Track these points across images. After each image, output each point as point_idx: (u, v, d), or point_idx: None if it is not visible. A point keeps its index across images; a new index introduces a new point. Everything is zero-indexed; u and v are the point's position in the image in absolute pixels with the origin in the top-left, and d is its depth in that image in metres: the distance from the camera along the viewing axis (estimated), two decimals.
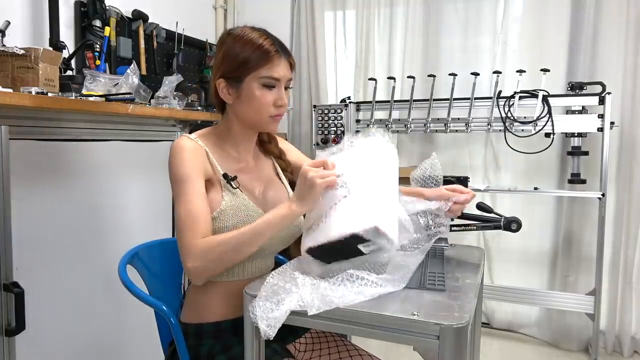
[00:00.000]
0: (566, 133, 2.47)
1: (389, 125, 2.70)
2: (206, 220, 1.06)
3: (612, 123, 2.30)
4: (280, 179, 1.30)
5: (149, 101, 1.85)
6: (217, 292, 1.14)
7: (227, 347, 1.11)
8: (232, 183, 1.13)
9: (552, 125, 2.39)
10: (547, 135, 2.42)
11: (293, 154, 1.36)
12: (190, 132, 1.25)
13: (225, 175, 1.13)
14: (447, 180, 1.32)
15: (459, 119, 2.57)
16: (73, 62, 1.83)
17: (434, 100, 2.61)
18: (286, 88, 1.17)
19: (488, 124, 2.52)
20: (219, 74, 1.15)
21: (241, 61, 1.11)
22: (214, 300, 1.14)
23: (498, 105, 2.48)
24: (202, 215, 1.05)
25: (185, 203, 1.05)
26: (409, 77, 2.65)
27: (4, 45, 1.48)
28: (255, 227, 1.02)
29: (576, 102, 2.40)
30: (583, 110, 2.41)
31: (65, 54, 1.76)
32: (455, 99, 2.56)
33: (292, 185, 1.30)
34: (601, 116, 2.32)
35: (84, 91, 1.62)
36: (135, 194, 2.04)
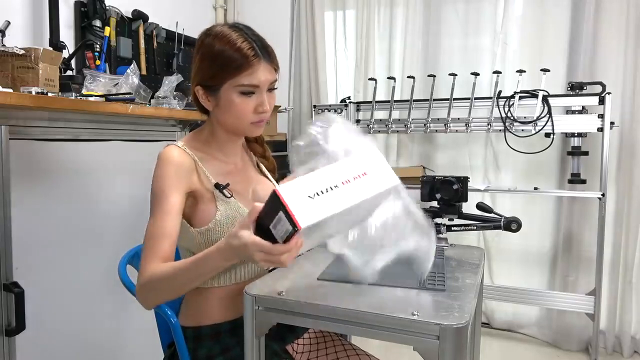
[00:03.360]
0: (566, 133, 2.47)
1: (389, 125, 2.70)
2: (169, 240, 1.01)
3: (612, 123, 2.30)
4: (265, 175, 1.29)
5: (149, 101, 1.85)
6: (214, 295, 1.13)
7: (226, 349, 1.10)
8: (224, 192, 1.09)
9: (552, 125, 2.39)
10: (547, 135, 2.42)
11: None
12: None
13: (217, 185, 1.10)
14: (447, 180, 1.33)
15: (459, 119, 2.57)
16: (73, 62, 1.83)
17: (434, 100, 2.61)
18: (271, 90, 1.11)
19: (488, 124, 2.52)
20: (196, 81, 1.11)
21: (217, 69, 1.06)
22: (212, 303, 1.13)
23: (498, 105, 2.48)
24: (165, 235, 1.01)
25: (153, 221, 1.03)
26: (409, 77, 2.65)
27: (4, 45, 1.48)
28: (187, 264, 0.95)
29: (576, 102, 2.40)
30: (583, 110, 2.41)
31: (65, 54, 1.77)
32: (455, 99, 2.56)
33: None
34: (601, 116, 2.32)
35: (84, 91, 1.62)
36: (135, 194, 2.04)
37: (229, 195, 1.10)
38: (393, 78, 2.70)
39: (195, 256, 0.95)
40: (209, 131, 1.17)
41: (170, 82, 1.94)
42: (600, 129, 2.32)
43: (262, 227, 0.79)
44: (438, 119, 2.62)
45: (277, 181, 1.31)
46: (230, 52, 1.04)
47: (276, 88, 1.13)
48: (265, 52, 1.07)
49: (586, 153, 2.42)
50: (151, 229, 1.02)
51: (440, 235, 1.36)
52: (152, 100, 1.89)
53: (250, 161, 1.29)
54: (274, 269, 1.14)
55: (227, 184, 1.10)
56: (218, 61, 1.05)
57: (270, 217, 0.76)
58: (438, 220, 1.37)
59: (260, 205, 0.80)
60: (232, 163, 1.20)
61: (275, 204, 0.73)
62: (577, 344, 2.58)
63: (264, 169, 1.30)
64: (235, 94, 1.07)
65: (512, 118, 2.46)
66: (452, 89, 2.56)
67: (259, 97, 1.08)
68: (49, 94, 1.39)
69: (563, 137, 2.55)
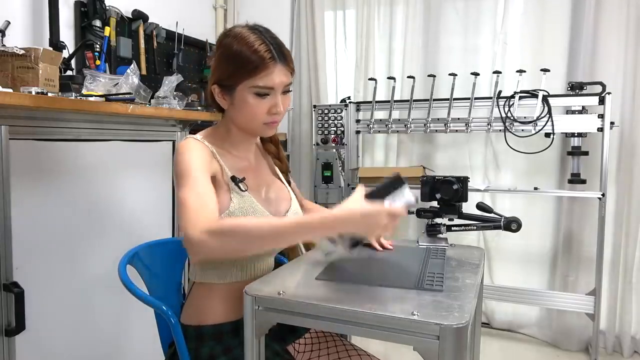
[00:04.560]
0: (566, 133, 2.47)
1: (389, 125, 2.70)
2: (214, 202, 0.99)
3: (612, 123, 2.30)
4: (279, 178, 1.30)
5: (149, 101, 1.85)
6: (218, 294, 1.13)
7: (227, 349, 1.10)
8: (240, 185, 1.11)
9: (552, 125, 2.39)
10: (547, 135, 2.42)
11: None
12: (190, 133, 1.24)
13: (233, 178, 1.12)
14: (447, 180, 1.33)
15: (459, 119, 2.57)
16: (73, 62, 1.83)
17: (434, 100, 2.61)
18: (286, 92, 1.13)
19: (488, 124, 2.52)
20: (213, 79, 1.13)
21: (234, 69, 1.08)
22: (215, 302, 1.13)
23: (498, 105, 2.48)
24: (211, 197, 0.99)
25: (193, 186, 0.98)
26: (409, 77, 2.65)
27: (4, 45, 1.48)
28: (282, 224, 0.94)
29: (576, 102, 2.40)
30: (583, 110, 2.41)
31: (65, 54, 1.77)
32: (455, 99, 2.56)
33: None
34: (601, 116, 2.32)
35: (84, 91, 1.62)
36: (135, 194, 2.04)
37: (244, 189, 1.12)
38: (393, 78, 2.70)
39: (297, 219, 0.96)
40: (225, 129, 1.19)
41: (170, 82, 1.94)
42: (600, 129, 2.32)
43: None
44: (438, 119, 2.62)
45: (289, 183, 1.32)
46: (248, 53, 1.06)
47: (291, 90, 1.15)
48: (282, 55, 1.09)
49: (586, 153, 2.42)
50: (193, 191, 0.97)
51: (440, 235, 1.36)
52: (152, 100, 1.90)
53: (266, 163, 1.30)
54: (275, 267, 1.15)
55: (243, 178, 1.12)
56: (235, 61, 1.08)
57: (388, 192, 1.04)
58: (438, 220, 1.37)
59: (366, 189, 1.02)
60: (245, 160, 1.22)
61: (399, 183, 1.06)
62: (577, 344, 2.58)
63: (278, 171, 1.31)
64: (250, 95, 1.09)
65: (512, 118, 2.46)
66: (452, 89, 2.56)
67: (273, 98, 1.10)
68: (49, 94, 1.39)
69: (563, 137, 2.55)
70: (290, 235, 0.94)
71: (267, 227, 0.92)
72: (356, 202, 0.96)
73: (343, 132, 2.77)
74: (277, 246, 1.02)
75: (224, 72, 1.11)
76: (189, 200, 0.95)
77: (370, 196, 1.01)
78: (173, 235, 2.18)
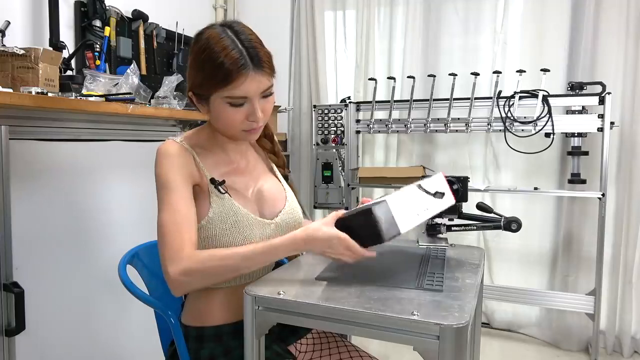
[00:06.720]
0: (566, 133, 2.47)
1: (389, 125, 2.70)
2: (192, 227, 1.02)
3: (612, 123, 2.30)
4: (275, 174, 1.27)
5: (149, 101, 1.85)
6: (218, 296, 1.12)
7: (227, 351, 1.10)
8: (219, 188, 1.08)
9: (552, 125, 2.39)
10: (547, 135, 2.42)
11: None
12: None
13: (212, 180, 1.08)
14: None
15: (459, 119, 2.57)
16: (73, 62, 1.83)
17: (434, 100, 2.61)
18: (266, 96, 1.06)
19: (488, 124, 2.52)
20: (188, 87, 1.10)
21: (204, 79, 1.03)
22: (215, 304, 1.12)
23: (498, 105, 2.48)
24: (189, 222, 1.02)
25: (171, 209, 1.01)
26: (409, 77, 2.65)
27: (4, 45, 1.48)
28: (251, 250, 0.99)
29: (576, 102, 2.40)
30: (583, 110, 2.41)
31: (65, 54, 1.76)
32: (455, 99, 2.56)
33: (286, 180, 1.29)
34: (601, 116, 2.32)
35: (84, 91, 1.62)
36: (136, 194, 2.04)
37: (224, 192, 1.09)
38: (393, 78, 2.70)
39: (264, 243, 1.00)
40: (211, 129, 1.17)
41: (170, 82, 1.94)
42: (600, 129, 2.32)
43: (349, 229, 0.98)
44: (438, 119, 2.62)
45: (286, 178, 1.30)
46: (217, 63, 1.00)
47: (272, 93, 1.09)
48: (257, 60, 1.01)
49: (586, 153, 2.42)
50: (171, 217, 1.01)
51: (440, 235, 1.36)
52: (152, 100, 1.90)
53: (262, 161, 1.27)
54: (276, 267, 1.15)
55: (223, 181, 1.09)
56: (205, 71, 1.03)
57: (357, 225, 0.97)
58: (438, 220, 1.37)
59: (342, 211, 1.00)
60: (234, 162, 1.18)
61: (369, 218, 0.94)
62: (577, 344, 2.58)
63: (275, 169, 1.28)
64: (224, 105, 1.04)
65: (512, 118, 2.46)
66: (452, 89, 2.56)
67: (250, 106, 1.05)
68: (49, 94, 1.39)
69: (563, 137, 2.55)
70: (261, 258, 1.01)
71: (236, 257, 1.00)
72: (326, 224, 0.99)
73: (343, 132, 2.77)
74: (252, 269, 1.04)
75: (195, 81, 1.06)
76: (166, 230, 1.00)
77: (340, 222, 0.99)
78: None
